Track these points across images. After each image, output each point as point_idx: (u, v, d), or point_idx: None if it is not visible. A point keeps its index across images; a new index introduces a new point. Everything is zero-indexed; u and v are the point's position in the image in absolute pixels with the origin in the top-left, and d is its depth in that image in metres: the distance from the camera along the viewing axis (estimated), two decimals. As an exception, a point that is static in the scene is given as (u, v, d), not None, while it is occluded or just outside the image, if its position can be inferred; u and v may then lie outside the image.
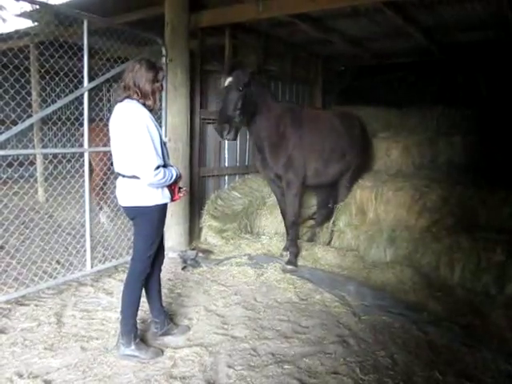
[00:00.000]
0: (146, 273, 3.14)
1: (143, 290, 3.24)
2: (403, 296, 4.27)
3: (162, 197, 3.00)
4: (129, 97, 2.93)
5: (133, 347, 3.06)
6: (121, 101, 2.96)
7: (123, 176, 2.99)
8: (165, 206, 3.09)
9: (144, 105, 2.93)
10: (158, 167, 2.83)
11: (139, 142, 2.81)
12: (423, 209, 5.30)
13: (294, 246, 5.19)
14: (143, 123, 2.81)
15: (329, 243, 5.78)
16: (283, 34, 6.92)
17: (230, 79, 4.51)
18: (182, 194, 3.19)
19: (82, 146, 4.54)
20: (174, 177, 3.01)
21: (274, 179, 5.31)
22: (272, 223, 6.31)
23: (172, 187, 3.08)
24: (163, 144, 3.01)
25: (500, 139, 6.32)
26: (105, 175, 5.32)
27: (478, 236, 4.80)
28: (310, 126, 5.33)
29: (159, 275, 3.40)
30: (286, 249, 5.42)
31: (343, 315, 3.86)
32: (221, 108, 4.57)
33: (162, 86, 3.07)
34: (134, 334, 3.10)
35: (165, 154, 3.02)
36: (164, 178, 2.89)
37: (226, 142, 6.69)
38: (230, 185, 6.91)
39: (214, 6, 5.55)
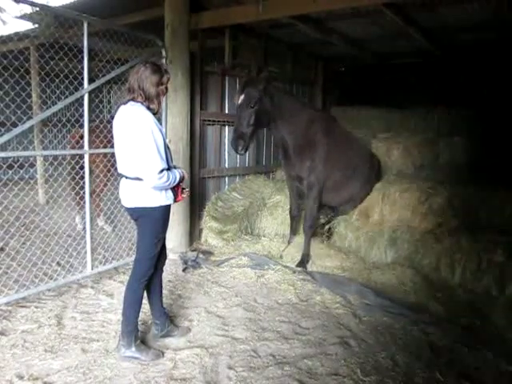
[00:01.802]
0: (150, 274, 3.15)
1: (145, 291, 3.23)
2: (404, 297, 4.27)
3: (165, 198, 3.02)
4: (133, 99, 2.93)
5: (133, 349, 3.08)
6: (125, 103, 2.97)
7: (127, 177, 3.00)
8: (168, 206, 3.10)
9: (148, 108, 2.93)
10: (161, 171, 2.85)
11: (144, 146, 2.81)
12: (428, 211, 5.30)
13: (307, 248, 5.21)
14: (148, 127, 2.82)
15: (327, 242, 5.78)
16: (283, 35, 6.93)
17: (242, 97, 4.66)
18: (184, 195, 3.21)
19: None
20: (177, 179, 3.02)
21: (295, 178, 5.37)
22: (272, 224, 6.30)
23: (175, 188, 3.09)
24: (167, 147, 3.02)
25: (501, 139, 6.32)
26: (108, 181, 5.30)
27: (479, 237, 4.80)
28: (340, 140, 5.50)
29: (161, 276, 3.40)
30: (285, 250, 5.44)
31: (344, 316, 3.86)
32: (235, 126, 4.77)
33: (166, 89, 3.07)
34: (135, 335, 3.12)
35: (168, 157, 3.03)
36: (168, 181, 2.90)
37: (226, 142, 6.72)
38: (231, 186, 6.91)
39: (214, 7, 5.55)
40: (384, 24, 5.83)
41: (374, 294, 4.23)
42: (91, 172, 5.53)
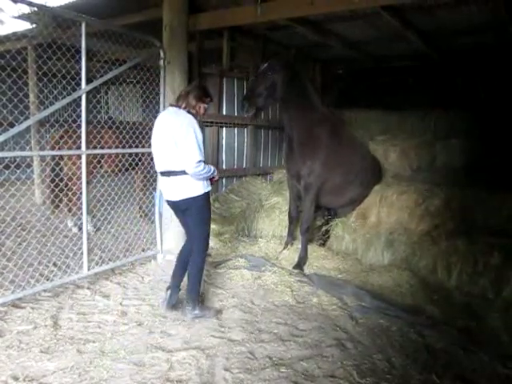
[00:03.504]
0: (208, 246, 3.88)
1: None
2: (400, 299, 4.28)
3: (205, 186, 3.61)
4: (176, 106, 3.56)
5: (197, 311, 3.71)
6: (167, 108, 3.66)
7: (171, 174, 3.52)
8: (208, 193, 3.68)
9: (189, 112, 3.53)
10: (200, 161, 3.40)
11: (187, 140, 3.37)
12: (425, 213, 5.32)
13: (304, 251, 5.19)
14: (191, 126, 3.41)
15: (324, 245, 5.79)
16: (281, 37, 6.95)
17: (264, 65, 4.78)
18: (216, 178, 3.79)
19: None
20: (211, 170, 3.58)
21: (294, 175, 5.35)
22: (269, 226, 6.29)
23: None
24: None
25: (498, 141, 6.35)
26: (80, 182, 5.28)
27: (475, 239, 4.81)
28: (345, 144, 5.51)
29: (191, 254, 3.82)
30: (282, 252, 5.44)
31: (340, 318, 3.85)
32: (247, 88, 4.97)
33: (205, 108, 3.68)
34: (198, 299, 3.78)
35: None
36: (204, 170, 3.46)
37: (224, 144, 6.72)
38: (228, 187, 6.91)
39: (212, 8, 5.56)
40: (381, 26, 5.86)
41: (371, 296, 4.23)
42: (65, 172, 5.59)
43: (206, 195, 3.63)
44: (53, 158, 5.73)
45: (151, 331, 3.51)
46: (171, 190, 3.59)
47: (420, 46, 6.58)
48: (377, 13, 5.09)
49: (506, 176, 5.69)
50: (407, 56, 7.75)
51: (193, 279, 3.72)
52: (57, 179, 5.31)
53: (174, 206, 3.70)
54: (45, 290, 4.09)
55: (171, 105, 3.62)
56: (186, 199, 3.53)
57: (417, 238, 5.15)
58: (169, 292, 3.82)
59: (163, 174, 3.61)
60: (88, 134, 4.41)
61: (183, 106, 3.54)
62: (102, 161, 5.73)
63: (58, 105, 4.11)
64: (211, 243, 5.74)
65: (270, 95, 4.76)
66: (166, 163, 3.55)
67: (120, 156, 5.58)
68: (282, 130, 7.89)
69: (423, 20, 5.59)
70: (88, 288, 4.32)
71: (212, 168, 3.61)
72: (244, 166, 7.33)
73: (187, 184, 3.50)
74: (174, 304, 3.84)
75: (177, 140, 3.40)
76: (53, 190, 5.61)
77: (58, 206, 5.85)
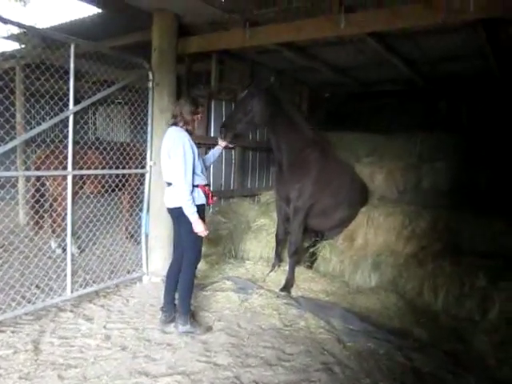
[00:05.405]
0: (199, 261, 4.02)
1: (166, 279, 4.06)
2: (388, 322, 4.25)
3: (197, 198, 3.79)
4: (176, 124, 3.83)
5: (188, 326, 3.81)
6: (170, 126, 3.92)
7: (169, 184, 3.85)
8: (201, 206, 3.82)
9: (186, 130, 3.81)
10: (185, 173, 3.64)
11: (176, 156, 3.67)
12: (412, 235, 5.35)
13: (291, 273, 5.15)
14: (181, 142, 3.68)
15: (311, 267, 5.77)
16: (269, 60, 7.05)
17: (244, 92, 4.84)
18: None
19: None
20: (193, 200, 3.69)
21: (283, 197, 5.35)
22: (257, 248, 6.25)
23: (206, 192, 3.90)
24: (196, 158, 3.79)
25: (481, 165, 6.46)
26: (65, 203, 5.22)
27: (461, 261, 4.84)
28: (333, 166, 5.56)
29: (182, 270, 3.94)
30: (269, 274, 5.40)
31: (328, 342, 3.81)
32: (227, 115, 5.09)
33: (200, 116, 3.98)
34: (190, 314, 3.90)
35: (195, 166, 3.76)
36: (186, 181, 3.64)
37: (212, 166, 6.71)
38: (215, 209, 6.88)
39: (201, 32, 5.63)
40: (368, 52, 5.98)
41: (358, 319, 4.20)
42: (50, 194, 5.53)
43: (198, 207, 3.75)
44: (38, 178, 5.67)
45: (135, 356, 3.44)
46: (168, 197, 3.91)
47: (405, 71, 6.72)
48: (363, 39, 5.20)
49: (491, 198, 5.77)
50: (394, 80, 7.88)
51: (182, 293, 3.86)
52: (42, 200, 5.26)
53: (170, 212, 3.97)
54: (26, 313, 3.99)
55: (172, 124, 3.87)
56: (178, 208, 3.76)
57: (403, 259, 5.16)
58: (163, 312, 4.00)
59: (166, 183, 3.92)
60: (74, 154, 4.37)
61: (181, 124, 3.81)
62: (88, 181, 5.68)
63: (45, 125, 4.10)
64: (198, 265, 5.71)
65: (250, 121, 4.79)
66: (165, 174, 3.91)
67: (106, 177, 5.54)
68: (269, 151, 7.97)
69: (407, 47, 5.73)
70: (71, 311, 4.23)
71: (196, 196, 3.78)
72: (231, 187, 7.32)
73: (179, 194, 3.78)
74: (171, 320, 3.97)
75: (169, 154, 3.76)
76: (37, 211, 5.53)
77: (41, 227, 5.74)
